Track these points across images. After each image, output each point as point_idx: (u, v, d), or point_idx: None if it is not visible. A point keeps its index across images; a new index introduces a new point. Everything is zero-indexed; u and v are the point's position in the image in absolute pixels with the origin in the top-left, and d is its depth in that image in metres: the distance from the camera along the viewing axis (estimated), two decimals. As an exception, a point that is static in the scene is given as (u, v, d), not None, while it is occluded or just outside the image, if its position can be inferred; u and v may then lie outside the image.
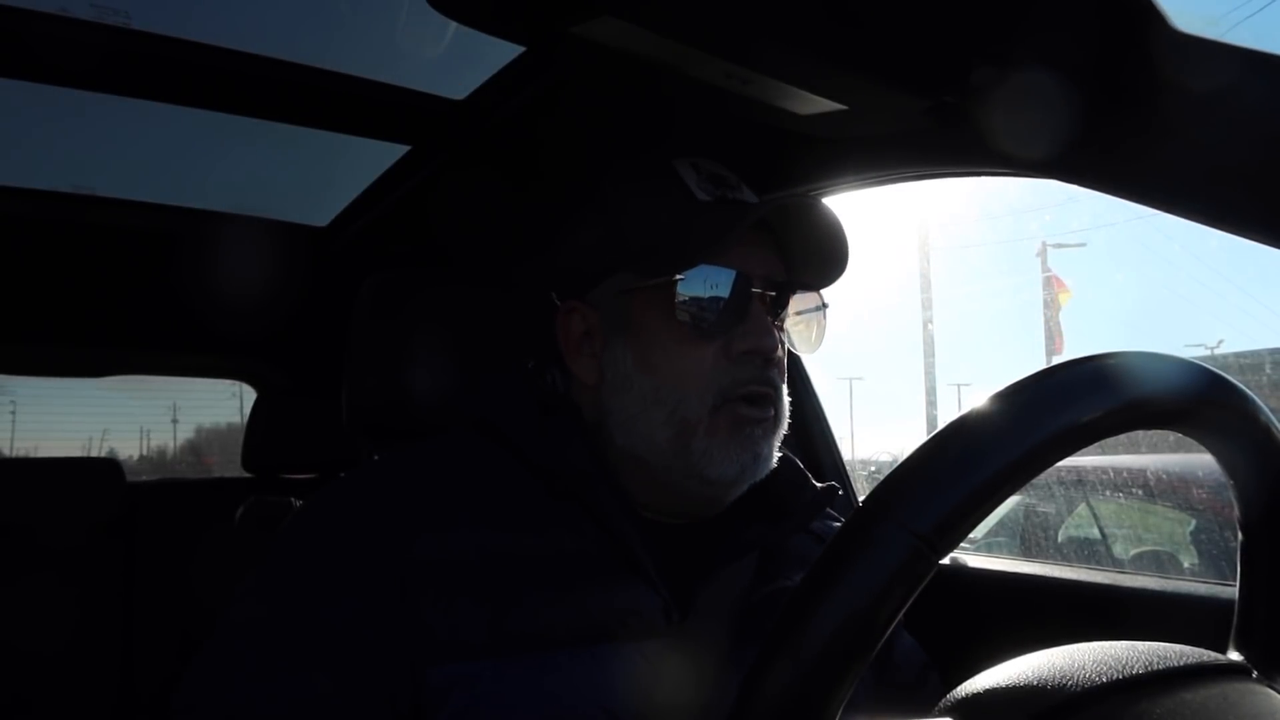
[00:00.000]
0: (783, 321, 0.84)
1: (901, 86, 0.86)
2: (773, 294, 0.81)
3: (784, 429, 0.82)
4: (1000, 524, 3.25)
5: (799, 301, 0.85)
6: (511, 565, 0.72)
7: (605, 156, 1.30)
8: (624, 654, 0.72)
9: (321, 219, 1.80)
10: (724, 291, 0.77)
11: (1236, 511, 0.49)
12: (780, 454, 0.87)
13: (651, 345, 0.79)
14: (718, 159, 0.86)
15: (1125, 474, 2.60)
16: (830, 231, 0.82)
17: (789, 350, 0.86)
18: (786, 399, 0.83)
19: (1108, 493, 2.75)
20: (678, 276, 0.77)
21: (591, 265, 0.84)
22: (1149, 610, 0.98)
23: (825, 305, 0.86)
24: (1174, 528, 2.71)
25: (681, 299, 0.77)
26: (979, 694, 0.42)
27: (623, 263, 0.81)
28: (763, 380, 0.79)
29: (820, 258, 0.83)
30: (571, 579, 0.73)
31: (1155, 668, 0.43)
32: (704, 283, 0.77)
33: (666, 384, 0.78)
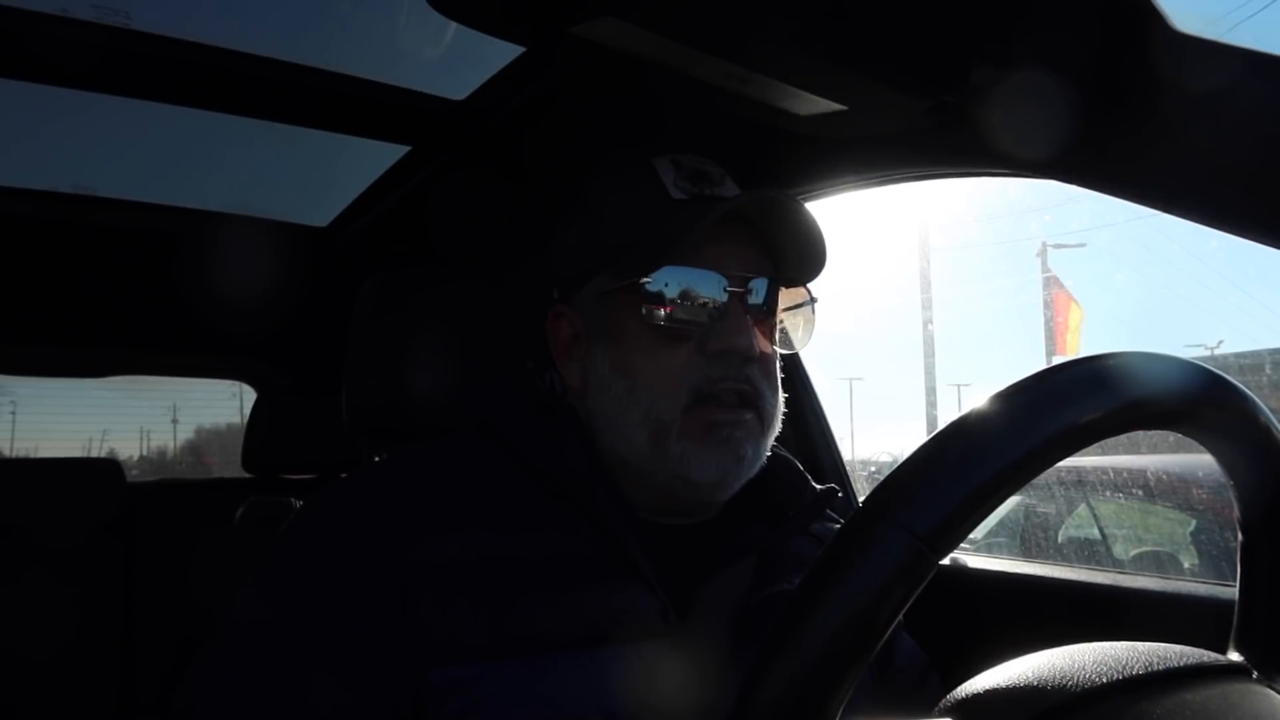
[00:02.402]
0: (770, 319, 0.82)
1: (901, 86, 0.86)
2: (751, 291, 0.79)
3: (774, 429, 0.81)
4: (1000, 524, 3.25)
5: (788, 297, 0.84)
6: (510, 567, 0.72)
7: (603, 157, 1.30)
8: (622, 656, 0.71)
9: (322, 219, 1.80)
10: (696, 291, 0.76)
11: (1236, 511, 0.48)
12: (780, 455, 0.86)
13: (628, 348, 0.79)
14: (717, 159, 0.85)
15: (1125, 474, 2.60)
16: (807, 225, 0.81)
17: (785, 349, 0.85)
18: (779, 397, 0.82)
19: (1108, 493, 2.75)
20: (644, 279, 0.76)
21: (574, 268, 0.84)
22: (1149, 610, 0.98)
23: (814, 300, 0.85)
24: (1174, 528, 2.71)
25: (651, 300, 0.76)
26: (979, 694, 0.42)
27: (601, 264, 0.81)
28: (739, 378, 0.77)
29: (801, 251, 0.82)
30: (569, 581, 0.73)
31: (1155, 668, 0.43)
32: (675, 283, 0.76)
33: (641, 385, 0.77)
